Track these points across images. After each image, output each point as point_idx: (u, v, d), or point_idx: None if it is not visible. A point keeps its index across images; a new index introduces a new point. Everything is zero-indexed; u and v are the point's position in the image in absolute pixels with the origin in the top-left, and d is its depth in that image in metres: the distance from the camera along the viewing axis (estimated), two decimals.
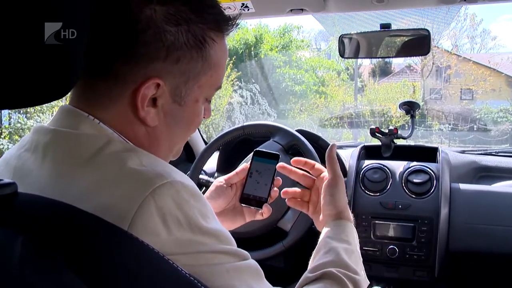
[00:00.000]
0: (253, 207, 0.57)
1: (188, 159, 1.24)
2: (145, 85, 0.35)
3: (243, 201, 0.57)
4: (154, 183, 0.32)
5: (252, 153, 0.60)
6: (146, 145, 0.38)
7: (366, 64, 9.57)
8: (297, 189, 0.56)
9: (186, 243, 0.32)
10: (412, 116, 1.03)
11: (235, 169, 0.59)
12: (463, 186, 0.93)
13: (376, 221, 0.91)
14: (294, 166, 0.57)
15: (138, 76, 0.35)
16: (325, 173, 0.54)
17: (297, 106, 7.02)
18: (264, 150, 0.60)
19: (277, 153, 0.59)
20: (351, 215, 0.52)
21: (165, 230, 0.31)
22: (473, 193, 0.91)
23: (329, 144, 1.01)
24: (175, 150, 0.42)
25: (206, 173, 1.03)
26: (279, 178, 0.58)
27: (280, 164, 0.57)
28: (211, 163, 1.06)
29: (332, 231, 0.48)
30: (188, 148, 1.22)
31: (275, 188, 0.57)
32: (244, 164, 0.59)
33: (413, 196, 0.91)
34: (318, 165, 0.56)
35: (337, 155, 1.00)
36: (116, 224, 0.29)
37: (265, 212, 0.56)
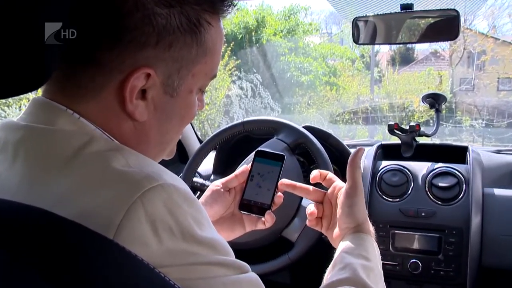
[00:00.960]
0: (254, 215, 0.57)
1: (181, 160, 1.24)
2: (133, 75, 0.35)
3: (243, 207, 0.57)
4: (143, 186, 0.32)
5: (254, 153, 0.60)
6: (133, 143, 0.38)
7: (384, 51, 9.56)
8: (313, 208, 0.55)
9: (178, 254, 0.32)
10: (438, 111, 1.03)
11: (233, 171, 0.60)
12: (498, 191, 0.92)
13: (396, 231, 0.91)
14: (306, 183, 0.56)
15: (126, 65, 0.35)
16: (338, 182, 0.55)
17: (304, 99, 7.01)
18: (267, 150, 0.60)
19: (281, 153, 0.59)
20: (372, 228, 0.52)
21: (155, 239, 0.31)
22: (510, 200, 0.90)
23: (341, 143, 1.03)
24: (167, 148, 0.43)
25: (200, 176, 1.03)
26: (283, 181, 0.58)
27: (283, 181, 0.57)
28: (207, 165, 1.06)
29: (350, 245, 0.48)
30: (180, 148, 1.23)
31: (279, 193, 0.58)
32: (244, 166, 0.59)
33: (439, 202, 0.91)
34: (330, 174, 0.56)
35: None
36: (100, 233, 0.29)
37: (268, 220, 0.56)
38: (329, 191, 0.55)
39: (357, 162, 0.51)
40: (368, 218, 0.52)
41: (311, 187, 0.56)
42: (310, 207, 0.55)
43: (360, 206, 0.51)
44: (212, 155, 1.06)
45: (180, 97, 0.39)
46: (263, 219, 0.56)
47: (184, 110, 0.41)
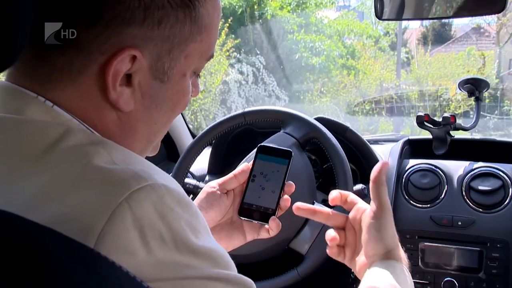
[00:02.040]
0: (256, 222, 0.58)
1: (170, 158, 1.25)
2: (117, 58, 0.36)
3: (243, 213, 0.58)
4: (130, 186, 0.33)
5: (256, 149, 0.61)
6: (117, 135, 0.39)
7: (414, 28, 9.50)
8: (334, 233, 0.55)
9: (170, 266, 0.33)
10: (478, 99, 1.03)
11: (232, 170, 0.60)
12: None
13: (426, 243, 0.92)
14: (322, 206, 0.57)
15: (108, 45, 0.36)
16: (361, 204, 0.55)
17: (316, 86, 6.98)
18: (271, 145, 0.61)
19: (288, 149, 0.60)
20: (404, 255, 0.52)
21: (143, 249, 0.32)
22: None
23: (360, 138, 1.03)
24: (153, 142, 0.44)
25: (193, 177, 1.04)
26: (291, 183, 0.59)
27: (298, 204, 0.55)
28: (201, 163, 1.07)
29: (379, 275, 0.48)
30: (169, 143, 1.24)
31: (286, 196, 0.58)
32: (245, 164, 0.60)
33: (479, 209, 0.92)
34: (352, 196, 0.56)
35: (372, 152, 1.01)
36: (78, 240, 0.30)
37: (272, 228, 0.57)
38: (351, 214, 0.55)
39: (381, 178, 0.51)
40: (399, 244, 0.51)
41: (330, 210, 0.56)
42: (330, 233, 0.54)
43: (390, 229, 0.51)
44: (207, 152, 1.07)
45: (172, 82, 0.40)
46: (266, 226, 0.57)
47: (176, 97, 0.41)
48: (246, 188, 0.59)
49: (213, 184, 0.59)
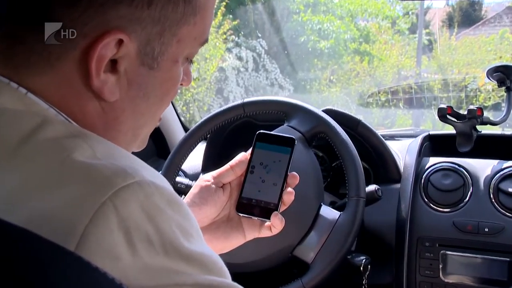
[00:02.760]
0: (256, 218, 0.59)
1: (159, 154, 1.26)
2: (102, 41, 0.37)
3: (242, 209, 0.59)
4: (115, 184, 0.33)
5: (255, 137, 0.61)
6: (100, 127, 0.40)
7: (437, 7, 9.44)
8: None
9: (159, 272, 0.34)
10: (509, 90, 1.03)
11: None
12: None
13: (448, 252, 0.92)
14: None
15: (91, 27, 0.37)
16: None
17: (325, 74, 6.96)
18: (271, 133, 0.62)
19: (291, 136, 0.61)
20: None
21: (129, 252, 0.33)
22: None
23: (373, 133, 1.04)
24: (140, 135, 0.44)
25: (186, 175, 1.05)
26: (295, 174, 0.60)
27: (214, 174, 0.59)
28: (194, 160, 1.08)
29: None
30: (159, 138, 1.25)
31: (290, 189, 0.59)
32: (242, 154, 0.61)
33: (509, 214, 0.92)
34: None
35: (387, 149, 1.02)
36: (57, 242, 0.31)
37: (275, 224, 0.58)
38: None
39: None
40: None
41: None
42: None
43: None
44: (201, 148, 1.07)
45: (162, 69, 0.41)
46: (268, 223, 0.58)
47: (166, 86, 0.42)
48: (245, 180, 0.60)
49: (208, 177, 0.60)
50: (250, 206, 0.59)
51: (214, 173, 0.60)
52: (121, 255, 0.32)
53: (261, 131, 0.63)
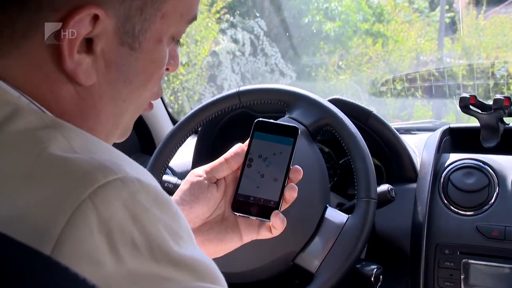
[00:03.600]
0: (254, 218, 0.59)
1: (144, 149, 1.26)
2: (74, 17, 0.37)
3: (238, 207, 0.60)
4: (95, 180, 0.34)
5: (253, 125, 0.62)
6: (76, 116, 0.40)
7: None
8: None
9: (145, 279, 0.34)
10: None
11: None
12: None
13: (471, 261, 0.93)
14: None
15: (62, 2, 0.37)
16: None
17: (332, 59, 6.93)
18: (272, 121, 0.62)
19: (293, 125, 0.61)
20: None
21: (112, 257, 0.33)
22: None
23: (387, 126, 1.04)
24: (120, 125, 0.45)
25: (174, 173, 1.05)
26: (298, 167, 0.60)
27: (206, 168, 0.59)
28: (183, 157, 1.08)
29: None
30: (143, 131, 1.25)
31: (292, 185, 0.60)
32: (239, 145, 0.61)
33: None
34: None
35: (402, 144, 1.02)
36: (31, 246, 0.31)
37: (276, 225, 0.58)
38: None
39: None
40: None
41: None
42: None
43: None
44: (191, 143, 1.08)
45: (144, 49, 0.41)
46: (268, 223, 0.59)
47: (149, 69, 0.43)
48: (241, 175, 0.60)
49: (199, 172, 0.60)
50: (248, 204, 0.59)
51: (207, 167, 0.60)
52: (103, 260, 0.33)
53: (260, 119, 0.63)
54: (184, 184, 0.60)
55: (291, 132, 0.61)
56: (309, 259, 0.83)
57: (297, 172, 0.60)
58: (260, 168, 0.60)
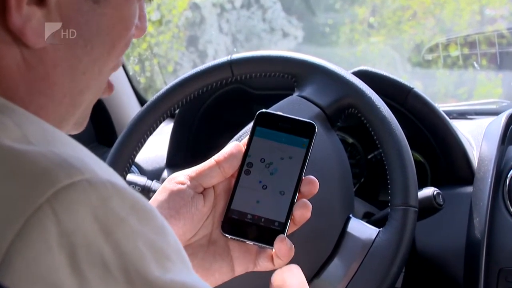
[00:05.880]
0: (252, 243, 0.61)
1: (100, 139, 1.27)
2: None
3: (231, 227, 0.61)
4: (56, 180, 0.35)
5: (254, 119, 0.64)
6: (22, 90, 0.42)
7: None
8: None
9: None
10: None
11: (209, 158, 0.63)
12: None
13: None
14: None
15: None
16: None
17: (360, 14, 6.90)
18: (280, 113, 0.64)
19: (310, 121, 0.63)
20: None
21: (74, 280, 0.34)
22: None
23: (433, 108, 1.04)
24: (78, 107, 0.47)
25: (142, 171, 1.07)
26: (312, 178, 0.62)
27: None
28: (154, 149, 1.11)
29: None
30: (99, 115, 1.26)
31: (304, 201, 0.61)
32: (235, 144, 0.63)
33: None
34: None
35: (453, 133, 1.04)
36: None
37: (280, 253, 0.59)
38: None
39: None
40: None
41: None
42: None
43: None
44: (165, 131, 1.10)
45: (111, 3, 0.43)
46: (270, 250, 0.60)
47: (116, 29, 0.45)
48: (236, 185, 0.61)
49: (181, 178, 0.61)
50: (243, 225, 0.60)
51: (191, 171, 0.61)
52: (62, 283, 0.34)
53: (263, 110, 0.64)
54: (160, 193, 0.61)
55: (306, 130, 0.62)
56: (327, 286, 0.84)
57: (312, 184, 0.61)
58: (262, 176, 0.61)
